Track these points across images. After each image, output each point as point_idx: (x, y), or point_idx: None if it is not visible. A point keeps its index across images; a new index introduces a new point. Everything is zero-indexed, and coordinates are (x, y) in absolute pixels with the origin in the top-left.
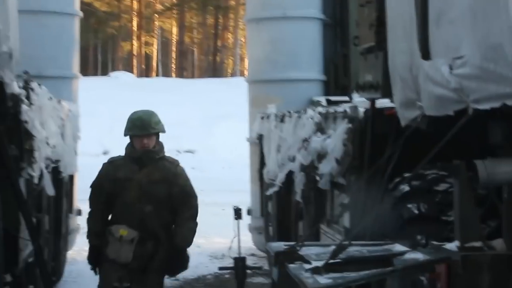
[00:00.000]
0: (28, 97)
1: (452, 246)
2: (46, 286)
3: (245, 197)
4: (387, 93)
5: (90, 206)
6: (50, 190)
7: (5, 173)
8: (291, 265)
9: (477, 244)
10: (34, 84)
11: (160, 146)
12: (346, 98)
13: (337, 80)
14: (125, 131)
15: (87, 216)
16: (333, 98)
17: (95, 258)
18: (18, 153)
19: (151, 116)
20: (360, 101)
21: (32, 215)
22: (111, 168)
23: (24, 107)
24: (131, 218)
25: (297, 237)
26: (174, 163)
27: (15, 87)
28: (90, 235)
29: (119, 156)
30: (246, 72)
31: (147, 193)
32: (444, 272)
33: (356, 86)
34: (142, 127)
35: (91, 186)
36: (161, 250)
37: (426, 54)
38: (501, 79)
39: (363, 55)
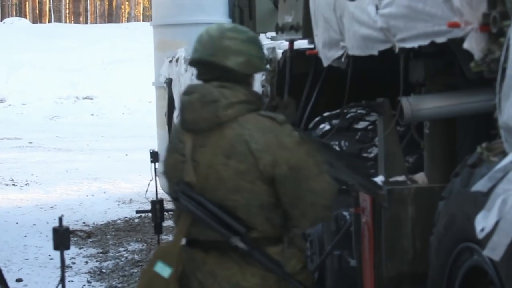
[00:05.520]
0: None
1: (377, 180)
2: None
3: (149, 142)
4: (308, 34)
5: None
6: None
7: None
8: None
9: (401, 178)
10: None
11: None
12: None
13: (242, 23)
14: (261, 65)
15: None
16: None
17: None
18: None
19: None
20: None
21: None
22: None
23: None
24: None
25: None
26: None
27: None
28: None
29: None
30: (142, 17)
31: None
32: (369, 206)
33: (275, 28)
34: None
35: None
36: None
37: None
38: (429, 18)
39: None
